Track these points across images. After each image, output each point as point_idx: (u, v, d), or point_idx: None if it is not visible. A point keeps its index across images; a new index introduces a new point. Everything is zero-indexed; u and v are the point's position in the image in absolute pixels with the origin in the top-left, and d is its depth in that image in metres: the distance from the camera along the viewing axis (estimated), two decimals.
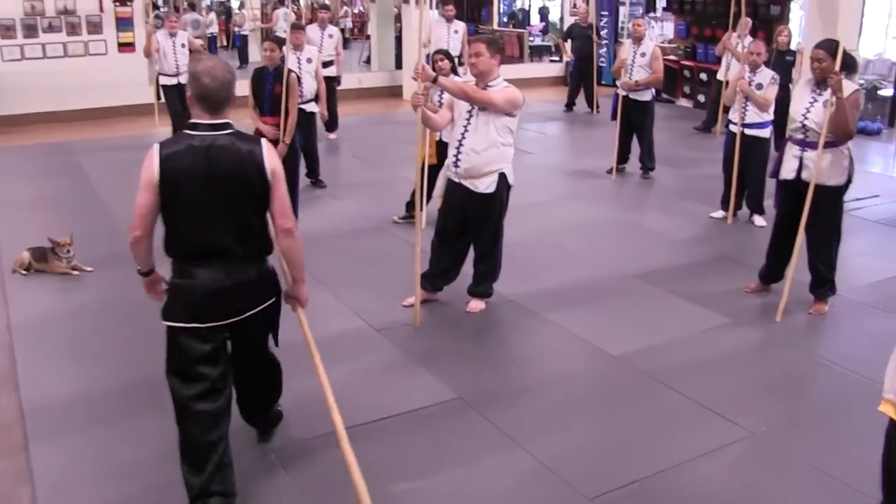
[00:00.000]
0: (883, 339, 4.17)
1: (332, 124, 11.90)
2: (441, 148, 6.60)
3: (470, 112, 5.66)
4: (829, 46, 5.71)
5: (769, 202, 7.97)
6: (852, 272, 6.75)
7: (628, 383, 5.12)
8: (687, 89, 15.65)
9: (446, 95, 6.19)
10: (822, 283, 6.13)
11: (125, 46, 13.68)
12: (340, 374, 4.99)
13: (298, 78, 8.10)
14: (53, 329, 5.81)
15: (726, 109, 8.86)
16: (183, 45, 10.90)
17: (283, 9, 17.94)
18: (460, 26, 13.05)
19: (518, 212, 6.28)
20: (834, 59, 5.62)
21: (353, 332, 5.73)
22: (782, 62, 10.39)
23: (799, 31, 13.32)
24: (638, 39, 9.89)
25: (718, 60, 12.77)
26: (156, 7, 21.60)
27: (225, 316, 3.61)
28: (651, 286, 6.63)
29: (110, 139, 12.10)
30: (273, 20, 14.97)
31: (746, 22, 10.62)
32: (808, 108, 5.89)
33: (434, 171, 6.27)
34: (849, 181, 5.92)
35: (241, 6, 22.67)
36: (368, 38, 19.72)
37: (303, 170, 8.76)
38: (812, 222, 5.92)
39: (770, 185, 8.06)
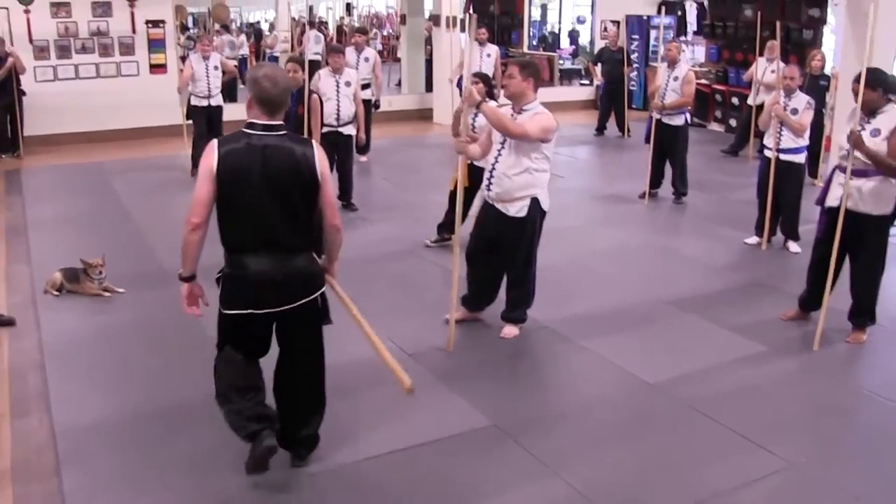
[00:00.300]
0: None
1: (364, 147, 11.91)
2: (472, 171, 6.57)
3: (504, 136, 5.64)
4: (868, 78, 5.64)
5: (804, 228, 7.90)
6: (892, 302, 6.61)
7: (663, 411, 5.05)
8: (718, 114, 15.51)
9: (481, 118, 6.19)
10: (863, 311, 6.02)
11: (157, 68, 13.84)
12: (372, 400, 4.96)
13: (320, 99, 8.19)
14: (84, 350, 5.81)
15: (760, 134, 8.77)
16: (216, 68, 10.97)
17: (314, 31, 18.05)
18: (493, 50, 13.06)
19: (550, 236, 6.22)
20: (874, 90, 5.58)
21: None
22: (816, 87, 10.26)
23: (832, 54, 13.20)
24: (672, 63, 9.83)
25: (749, 85, 12.70)
26: (185, 28, 21.84)
27: (277, 303, 3.88)
28: (685, 312, 6.54)
29: (141, 160, 12.20)
30: (303, 42, 15.06)
31: (773, 45, 10.52)
32: None
33: (468, 193, 6.24)
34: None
35: (272, 28, 22.87)
36: (398, 60, 19.79)
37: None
38: (856, 251, 5.84)
39: (804, 212, 8.01)
